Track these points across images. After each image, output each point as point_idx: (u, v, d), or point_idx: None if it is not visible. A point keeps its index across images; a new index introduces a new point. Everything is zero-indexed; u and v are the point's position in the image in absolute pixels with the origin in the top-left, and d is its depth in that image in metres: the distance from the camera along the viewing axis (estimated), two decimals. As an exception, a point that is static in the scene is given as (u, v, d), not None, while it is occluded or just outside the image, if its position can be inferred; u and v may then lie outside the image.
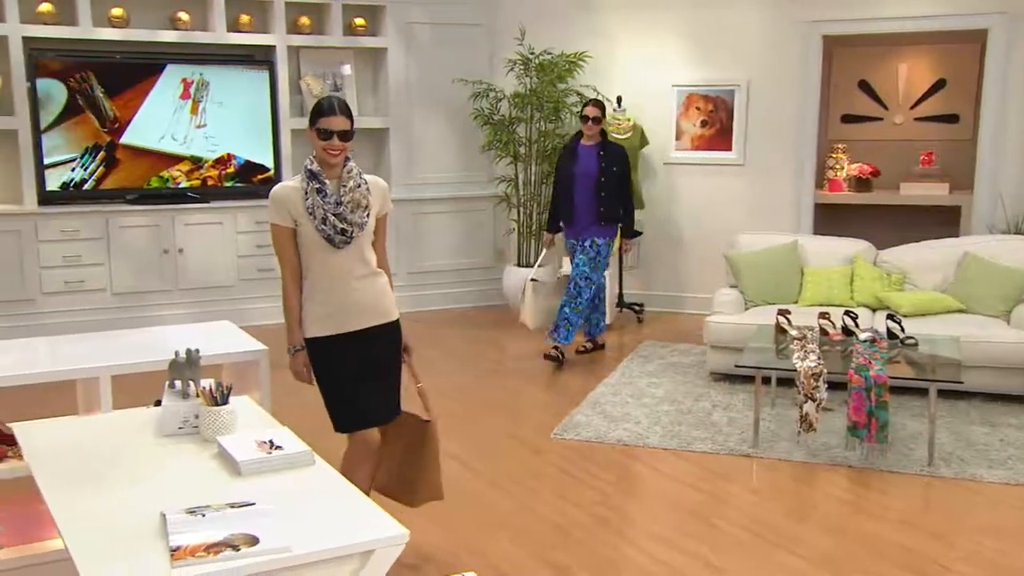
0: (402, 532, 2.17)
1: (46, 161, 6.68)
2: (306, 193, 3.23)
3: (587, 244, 6.15)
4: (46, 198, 6.72)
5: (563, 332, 6.14)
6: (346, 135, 3.25)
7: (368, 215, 3.30)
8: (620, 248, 6.54)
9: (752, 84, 7.49)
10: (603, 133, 6.25)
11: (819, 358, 4.69)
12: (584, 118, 6.19)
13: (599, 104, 6.18)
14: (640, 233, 6.30)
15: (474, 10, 7.87)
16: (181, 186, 7.13)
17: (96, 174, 6.85)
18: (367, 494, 3.34)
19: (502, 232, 8.14)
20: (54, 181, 6.73)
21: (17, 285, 6.62)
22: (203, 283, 7.18)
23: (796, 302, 6.11)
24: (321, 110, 3.24)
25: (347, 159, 3.31)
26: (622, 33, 7.77)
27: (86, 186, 6.84)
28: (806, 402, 4.58)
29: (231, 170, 7.29)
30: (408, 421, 3.51)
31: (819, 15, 7.27)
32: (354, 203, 3.25)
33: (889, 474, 4.49)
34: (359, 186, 3.30)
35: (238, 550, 2.05)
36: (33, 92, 6.59)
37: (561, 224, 6.38)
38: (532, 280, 6.37)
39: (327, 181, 3.24)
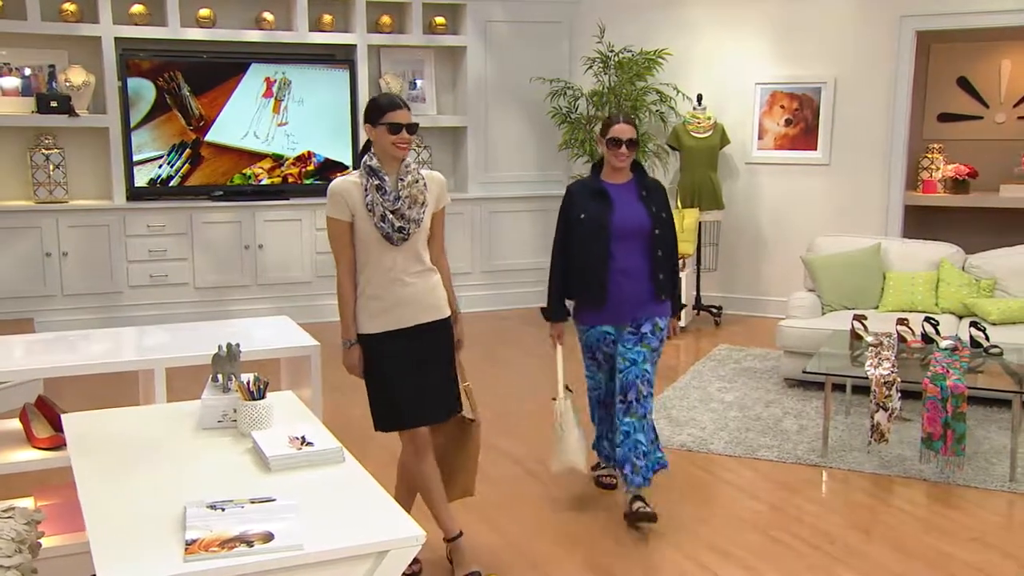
0: (418, 533, 2.14)
1: (135, 158, 6.91)
2: (366, 189, 3.23)
3: (646, 329, 3.89)
4: (134, 194, 6.95)
5: (644, 470, 3.86)
6: (413, 128, 3.24)
7: (425, 211, 3.27)
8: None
9: (840, 81, 7.22)
10: (636, 164, 3.97)
11: (893, 366, 4.48)
12: (614, 142, 3.81)
13: (632, 121, 3.90)
14: (685, 306, 4.00)
15: (554, 8, 7.82)
16: (262, 183, 7.28)
17: (182, 171, 7.05)
18: (431, 492, 3.35)
19: (579, 231, 8.05)
20: (142, 177, 6.95)
21: (106, 278, 6.86)
22: (281, 279, 7.31)
23: (876, 307, 5.86)
24: (385, 106, 3.23)
25: None
26: (703, 29, 7.59)
27: (172, 182, 7.05)
28: (878, 411, 4.37)
29: (311, 168, 7.40)
30: (458, 416, 3.49)
31: (912, 10, 6.96)
32: (412, 199, 3.23)
33: (966, 489, 4.26)
34: (417, 181, 3.28)
35: (251, 546, 2.04)
36: (124, 91, 6.81)
37: (573, 309, 4.05)
38: (567, 390, 4.08)
39: (387, 177, 3.23)
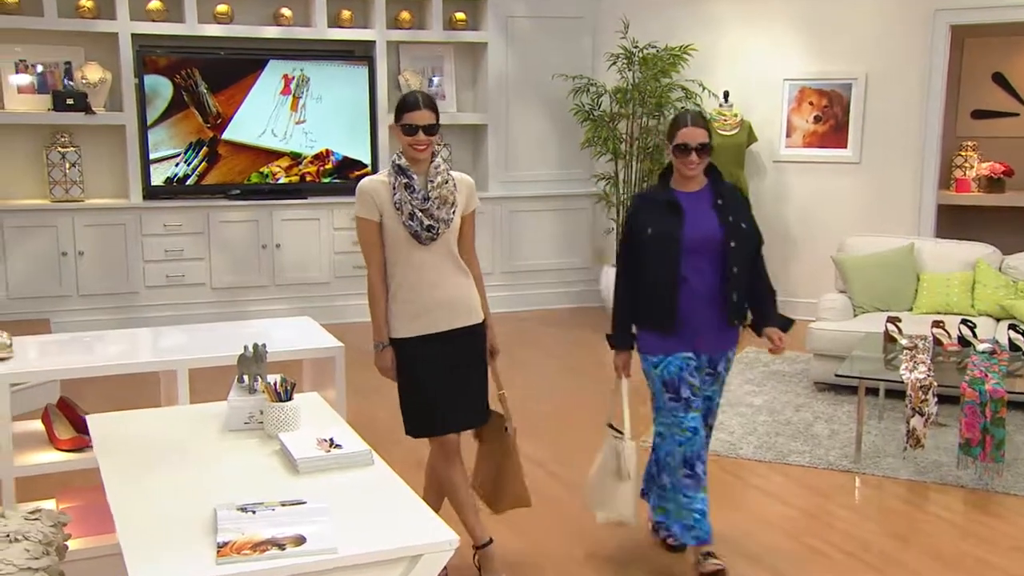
0: (451, 537, 2.15)
1: (151, 156, 6.96)
2: (394, 188, 3.24)
3: (717, 364, 3.53)
4: (151, 192, 6.99)
5: (705, 525, 3.49)
6: (431, 129, 3.23)
7: (455, 212, 3.29)
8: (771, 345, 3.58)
9: (871, 77, 7.19)
10: (711, 168, 3.54)
11: (930, 369, 4.46)
12: (682, 148, 3.40)
13: (704, 123, 3.47)
14: (792, 321, 3.58)
15: (577, 3, 7.82)
16: (280, 182, 7.32)
17: (199, 169, 7.10)
18: (460, 499, 3.37)
19: (601, 231, 8.06)
20: (159, 176, 7.00)
21: (122, 278, 6.91)
22: (299, 279, 7.34)
23: (910, 309, 5.83)
24: (405, 105, 3.25)
25: (434, 154, 3.31)
26: (730, 24, 7.58)
27: (189, 181, 7.09)
28: (913, 416, 4.36)
29: (329, 166, 7.43)
30: (497, 423, 3.50)
31: (946, 3, 6.92)
32: (441, 199, 3.24)
33: (1005, 496, 4.23)
34: (446, 182, 3.29)
35: (284, 549, 2.06)
36: (141, 88, 6.86)
37: (640, 339, 3.58)
38: (615, 433, 3.64)
39: (415, 176, 3.24)
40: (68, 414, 3.53)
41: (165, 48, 6.96)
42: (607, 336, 3.64)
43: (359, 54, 7.46)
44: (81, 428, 3.46)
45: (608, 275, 7.69)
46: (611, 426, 3.63)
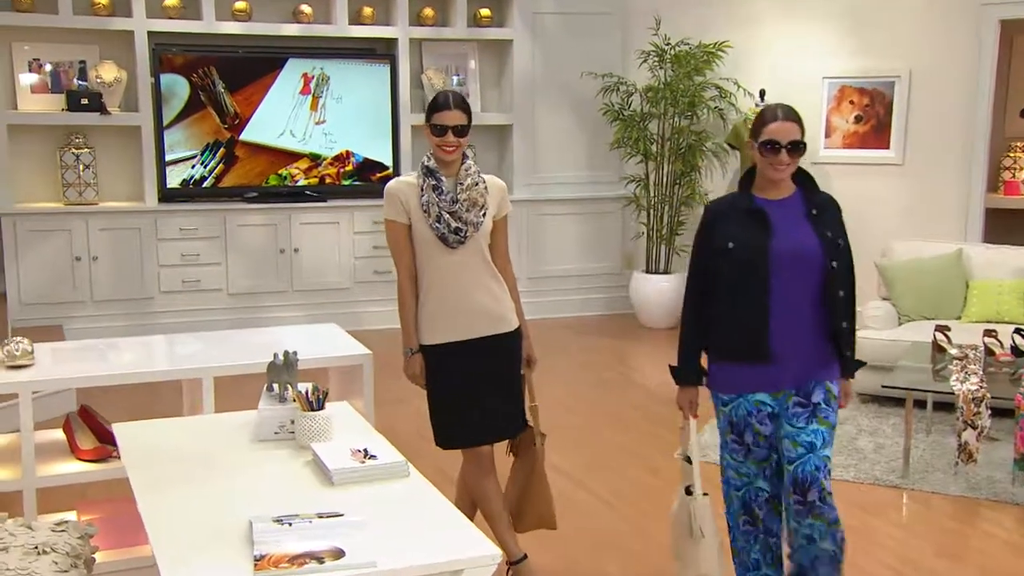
0: (493, 552, 2.16)
1: (167, 158, 7.02)
2: (422, 189, 3.27)
3: (818, 398, 3.06)
4: (167, 195, 7.05)
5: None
6: (461, 130, 3.26)
7: (484, 215, 3.31)
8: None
9: (915, 75, 7.16)
10: (801, 173, 3.13)
11: (982, 380, 4.43)
12: (770, 146, 2.99)
13: (796, 118, 3.05)
14: (863, 364, 3.25)
15: (606, -2, 7.85)
16: (299, 184, 7.36)
17: (216, 171, 7.16)
18: (494, 512, 3.38)
19: (630, 236, 8.06)
20: (175, 178, 7.06)
21: (137, 283, 6.97)
22: (318, 285, 7.38)
23: (959, 318, 5.80)
24: (436, 104, 3.28)
25: (465, 157, 3.33)
26: (766, 20, 7.57)
27: (205, 183, 7.15)
28: (965, 429, 4.33)
29: (349, 168, 7.48)
30: (528, 437, 3.51)
31: (994, -3, 6.89)
32: (470, 201, 3.27)
33: (1063, 515, 4.20)
34: (476, 184, 3.31)
35: (323, 563, 2.08)
36: (157, 88, 6.93)
37: (710, 372, 3.21)
38: (683, 490, 3.34)
39: (444, 178, 3.27)
40: (90, 423, 3.57)
41: (182, 46, 7.03)
42: (671, 369, 3.26)
43: (381, 52, 7.51)
44: (104, 438, 3.51)
45: (638, 281, 7.70)
46: (687, 459, 3.30)
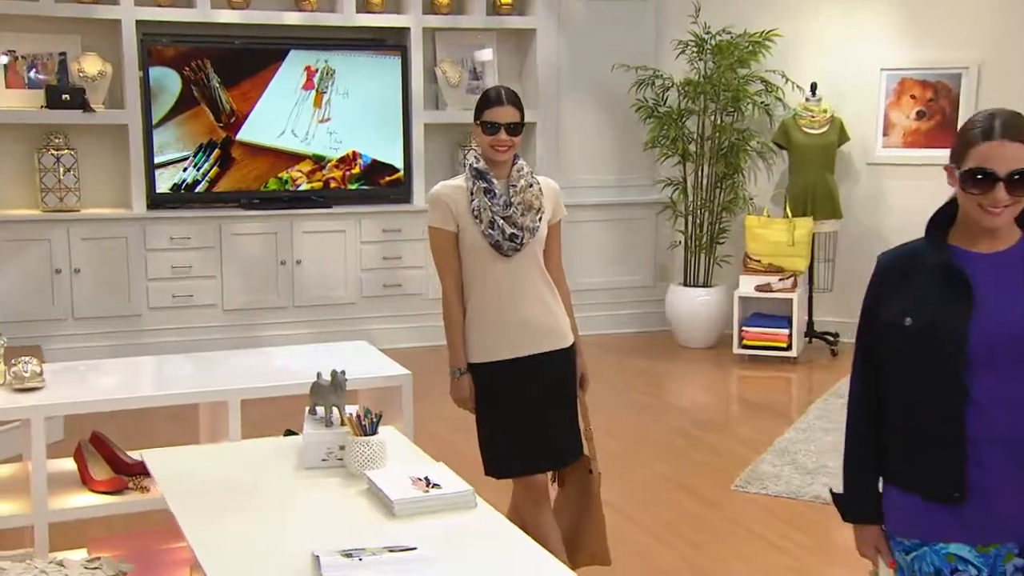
0: (585, 588, 2.22)
1: (157, 160, 7.09)
2: (471, 193, 3.33)
3: None
4: (156, 201, 7.12)
5: None
6: (514, 128, 3.33)
7: (540, 219, 3.38)
8: None
9: (984, 67, 7.25)
10: None
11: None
12: (978, 176, 2.20)
13: (1020, 129, 2.20)
14: None
15: (639, -17, 7.95)
16: (301, 188, 7.44)
17: (210, 175, 7.23)
18: (550, 546, 3.41)
19: (666, 245, 8.13)
20: (165, 182, 7.14)
21: (123, 298, 7.02)
22: (321, 300, 7.44)
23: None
24: (487, 100, 3.35)
25: (516, 157, 3.40)
26: (817, 6, 7.66)
27: (198, 188, 7.22)
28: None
29: (356, 171, 7.55)
30: (581, 465, 3.56)
31: (1069, -19, 7.00)
32: (526, 205, 3.33)
33: None
34: (531, 186, 3.38)
35: (401, 599, 2.14)
36: (145, 82, 7.01)
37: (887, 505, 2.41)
38: None
39: (495, 180, 3.33)
40: (103, 452, 3.62)
41: (173, 37, 7.12)
42: (833, 497, 2.54)
43: (391, 43, 7.60)
44: (117, 467, 3.56)
45: (674, 295, 7.77)
46: None
